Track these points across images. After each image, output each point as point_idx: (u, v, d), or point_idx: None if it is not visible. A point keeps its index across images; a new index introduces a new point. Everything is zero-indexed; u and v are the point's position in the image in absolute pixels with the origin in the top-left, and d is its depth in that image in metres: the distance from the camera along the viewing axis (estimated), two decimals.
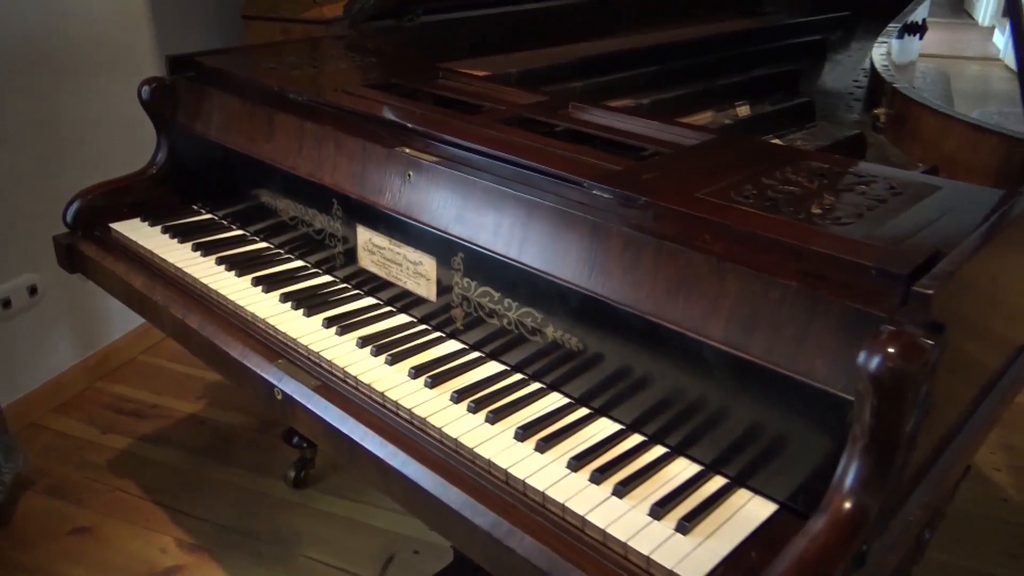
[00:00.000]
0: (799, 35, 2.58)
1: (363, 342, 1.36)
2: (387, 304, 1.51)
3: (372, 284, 1.52)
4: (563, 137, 1.46)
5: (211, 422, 2.67)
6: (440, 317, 1.41)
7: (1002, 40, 7.62)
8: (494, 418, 1.18)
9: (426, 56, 2.08)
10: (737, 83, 2.08)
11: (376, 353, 1.34)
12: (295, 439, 2.35)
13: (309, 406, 1.29)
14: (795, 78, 2.20)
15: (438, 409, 1.21)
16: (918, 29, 2.75)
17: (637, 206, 1.15)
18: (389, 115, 1.49)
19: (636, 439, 1.16)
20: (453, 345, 1.38)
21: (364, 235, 1.49)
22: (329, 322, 1.42)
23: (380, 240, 1.46)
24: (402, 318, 1.46)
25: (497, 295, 1.29)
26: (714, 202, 1.13)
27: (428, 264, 1.38)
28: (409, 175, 1.40)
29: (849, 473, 0.92)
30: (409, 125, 1.44)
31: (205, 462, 2.60)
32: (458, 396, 1.23)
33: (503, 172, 1.30)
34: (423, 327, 1.43)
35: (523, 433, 1.15)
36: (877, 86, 1.91)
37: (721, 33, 2.36)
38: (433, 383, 1.26)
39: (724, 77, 2.15)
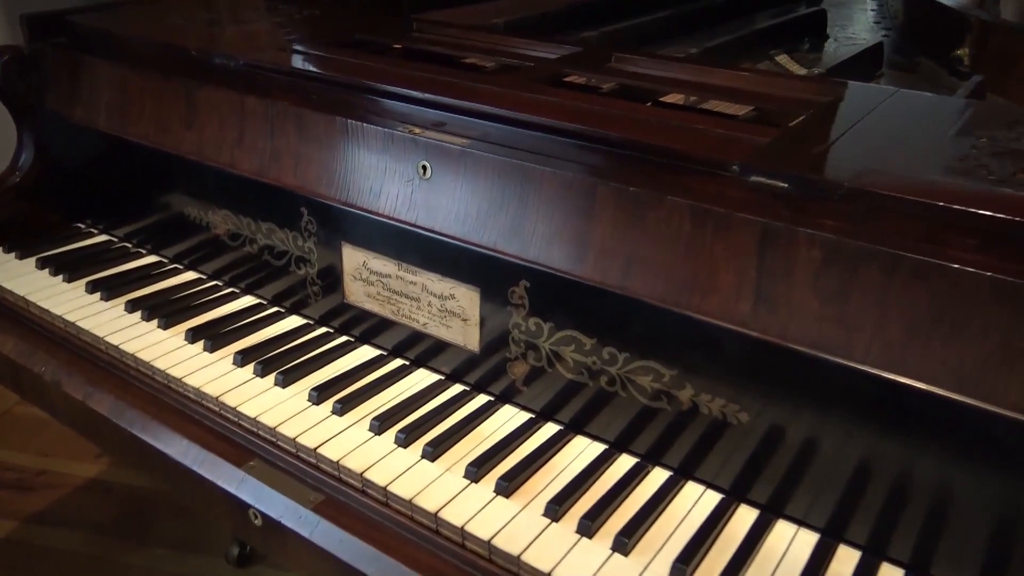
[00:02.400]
0: None
1: (380, 424, 0.90)
2: (394, 355, 1.05)
3: (366, 327, 1.06)
4: (627, 99, 1.02)
5: (120, 488, 2.11)
6: (484, 372, 0.96)
7: None
8: (627, 544, 0.75)
9: (365, 5, 1.60)
10: (769, 29, 1.69)
11: (406, 442, 0.88)
12: None
13: (313, 538, 0.82)
14: (822, 21, 1.84)
15: (534, 535, 0.77)
16: None
17: (837, 198, 0.73)
18: (380, 81, 1.02)
19: (851, 556, 0.75)
20: (512, 415, 0.94)
21: (353, 257, 1.02)
22: (320, 394, 0.95)
23: (381, 264, 1.00)
24: (423, 376, 1.01)
25: (589, 342, 0.85)
26: (953, 185, 0.73)
27: (466, 298, 0.93)
28: (424, 167, 0.94)
29: None
30: (416, 94, 0.98)
31: (117, 543, 2.05)
32: (556, 507, 0.79)
33: (584, 157, 0.86)
34: (459, 388, 0.98)
35: (683, 567, 0.73)
36: (950, 22, 1.55)
37: None
38: (508, 487, 0.82)
39: (744, 22, 1.76)
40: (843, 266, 0.71)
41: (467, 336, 0.95)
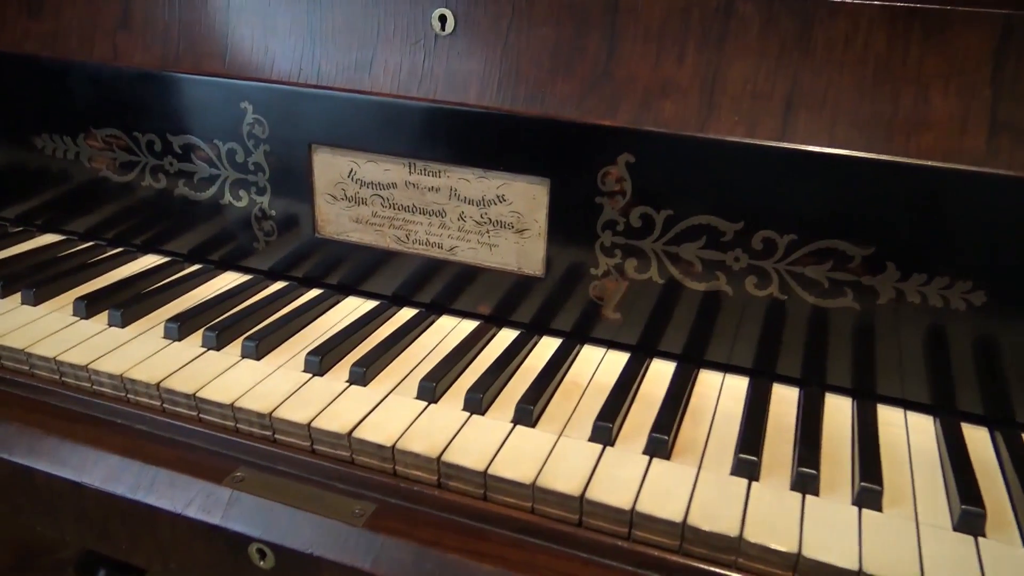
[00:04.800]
0: None
1: (435, 386, 0.60)
2: (397, 303, 0.75)
3: (351, 268, 0.75)
4: None
5: None
6: (550, 304, 0.69)
7: None
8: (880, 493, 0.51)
9: None
10: None
11: (482, 406, 0.59)
12: (100, 573, 1.41)
13: (378, 572, 0.52)
14: None
15: (738, 509, 0.51)
16: None
17: None
18: None
19: None
20: (602, 355, 0.68)
21: (332, 166, 0.71)
22: (322, 360, 0.63)
23: (379, 170, 0.70)
24: (452, 323, 0.72)
25: (731, 228, 0.61)
26: None
27: (526, 198, 0.65)
28: (443, 18, 0.65)
29: None
30: None
31: None
32: (752, 459, 0.54)
33: None
34: (513, 332, 0.70)
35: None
36: None
37: None
38: (665, 446, 0.55)
39: None
40: None
41: (525, 255, 0.67)
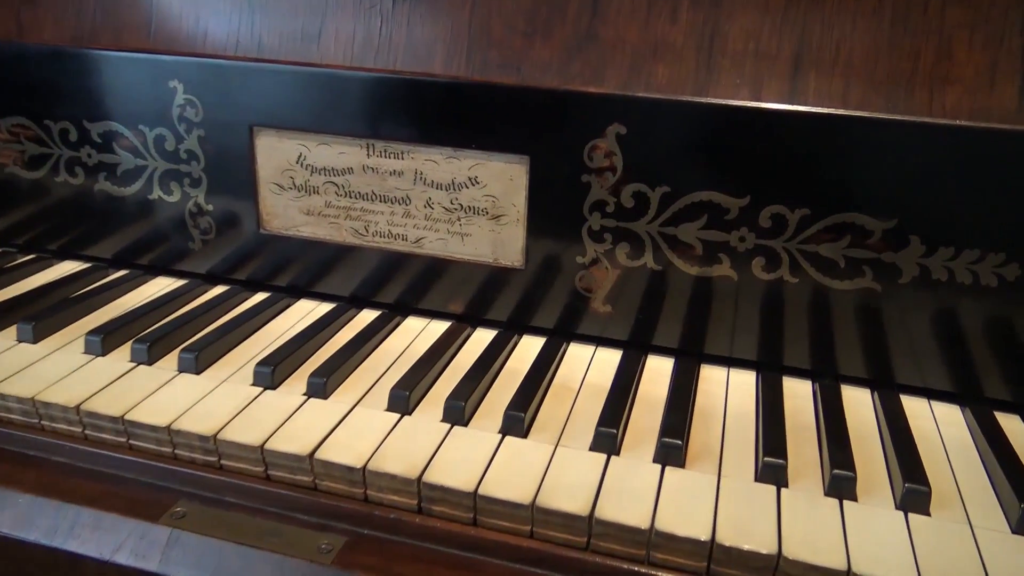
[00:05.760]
0: None
1: (408, 395, 0.52)
2: (356, 304, 0.66)
3: (303, 268, 0.66)
4: None
5: None
6: (531, 298, 0.61)
7: None
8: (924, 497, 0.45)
9: None
10: None
11: (465, 416, 0.51)
12: None
13: None
14: None
15: (770, 523, 0.44)
16: None
17: None
18: None
19: None
20: (590, 353, 0.60)
21: (277, 151, 0.62)
22: (275, 371, 0.55)
23: (332, 154, 0.61)
24: (420, 325, 0.64)
25: (735, 204, 0.54)
26: None
27: (502, 179, 0.58)
28: None
29: None
30: None
31: None
32: (779, 463, 0.47)
33: None
34: (489, 333, 0.62)
35: None
36: None
37: None
38: (679, 453, 0.48)
39: None
40: None
41: (501, 244, 0.60)
